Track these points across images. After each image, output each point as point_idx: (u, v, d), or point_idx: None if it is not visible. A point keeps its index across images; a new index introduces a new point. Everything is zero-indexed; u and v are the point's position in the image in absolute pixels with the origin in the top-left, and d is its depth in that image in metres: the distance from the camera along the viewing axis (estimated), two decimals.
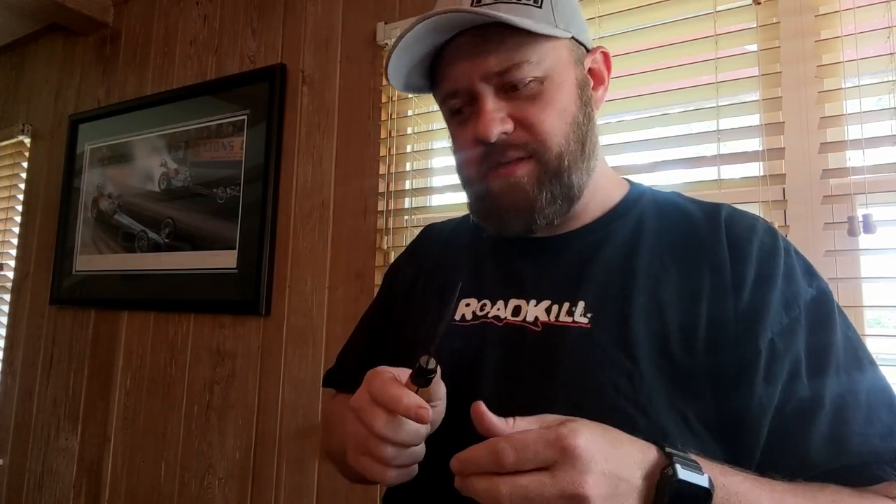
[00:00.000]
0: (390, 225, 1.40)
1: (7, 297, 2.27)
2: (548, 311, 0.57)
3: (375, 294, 1.39)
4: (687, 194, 0.66)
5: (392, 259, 1.39)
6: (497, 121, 0.55)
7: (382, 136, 1.44)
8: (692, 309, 0.53)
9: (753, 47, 1.05)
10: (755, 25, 1.04)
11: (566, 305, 0.57)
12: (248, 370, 1.57)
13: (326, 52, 1.56)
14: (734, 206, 0.61)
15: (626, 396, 0.50)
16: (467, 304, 0.63)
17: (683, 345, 0.52)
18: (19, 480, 2.04)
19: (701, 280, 0.54)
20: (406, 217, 1.39)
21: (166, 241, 1.77)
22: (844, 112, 0.96)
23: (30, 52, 2.41)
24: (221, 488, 1.55)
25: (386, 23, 1.44)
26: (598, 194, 0.63)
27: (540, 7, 0.55)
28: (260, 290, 1.54)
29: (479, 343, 0.59)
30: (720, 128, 1.04)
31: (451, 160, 1.37)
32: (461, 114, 0.59)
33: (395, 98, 1.42)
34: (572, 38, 0.58)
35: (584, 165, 0.58)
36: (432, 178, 1.42)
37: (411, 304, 0.70)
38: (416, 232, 1.39)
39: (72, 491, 1.88)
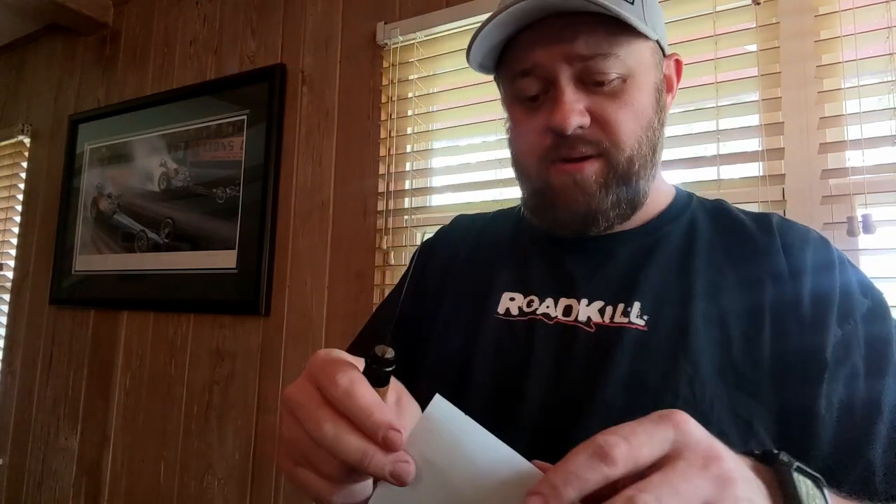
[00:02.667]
0: (390, 225, 1.40)
1: (7, 297, 2.27)
2: (601, 311, 0.55)
3: (372, 293, 1.42)
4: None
5: (392, 259, 1.39)
6: (576, 112, 0.52)
7: (382, 136, 1.44)
8: (756, 318, 0.52)
9: (753, 47, 1.05)
10: (755, 26, 1.04)
11: (621, 306, 0.54)
12: (248, 370, 1.56)
13: (326, 52, 1.56)
14: (782, 215, 0.61)
15: (687, 402, 0.48)
16: (511, 299, 0.60)
17: (747, 353, 0.50)
18: (19, 480, 2.04)
19: (762, 289, 0.53)
20: (406, 217, 1.39)
21: (166, 241, 1.77)
22: (844, 112, 0.96)
23: (30, 52, 2.40)
24: (221, 488, 1.55)
25: (386, 23, 1.44)
26: (650, 197, 0.61)
27: (632, 3, 0.53)
28: (260, 290, 1.54)
29: (528, 341, 0.56)
30: (720, 128, 1.04)
31: (450, 160, 1.40)
32: (534, 100, 0.56)
33: (394, 98, 1.42)
34: (656, 41, 0.56)
35: (652, 172, 0.57)
36: (432, 178, 1.42)
37: (446, 293, 0.66)
38: (417, 232, 1.41)
39: (71, 491, 1.88)
